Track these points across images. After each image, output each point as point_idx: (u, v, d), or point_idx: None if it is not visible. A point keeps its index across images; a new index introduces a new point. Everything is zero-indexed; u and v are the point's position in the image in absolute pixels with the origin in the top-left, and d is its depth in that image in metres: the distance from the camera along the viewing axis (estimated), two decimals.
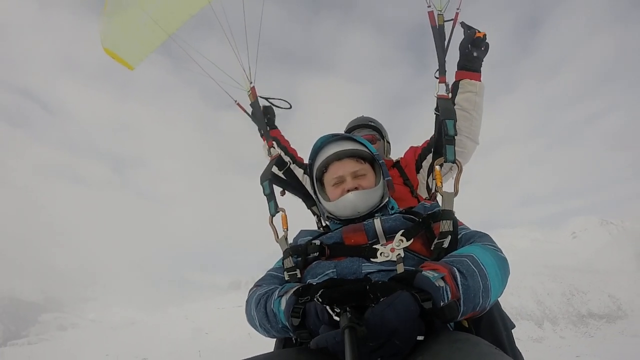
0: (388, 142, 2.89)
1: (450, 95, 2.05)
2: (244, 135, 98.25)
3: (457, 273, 1.16)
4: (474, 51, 2.17)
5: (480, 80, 2.22)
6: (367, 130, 2.79)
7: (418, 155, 2.53)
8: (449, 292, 1.10)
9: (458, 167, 1.67)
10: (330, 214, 1.75)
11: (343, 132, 1.75)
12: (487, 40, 2.17)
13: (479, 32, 2.14)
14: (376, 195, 1.70)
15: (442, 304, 1.05)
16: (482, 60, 2.23)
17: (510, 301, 59.68)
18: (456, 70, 2.24)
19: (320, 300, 1.09)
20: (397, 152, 2.87)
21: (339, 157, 1.73)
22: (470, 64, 2.20)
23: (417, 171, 2.52)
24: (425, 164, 2.48)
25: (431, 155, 2.30)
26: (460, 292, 1.13)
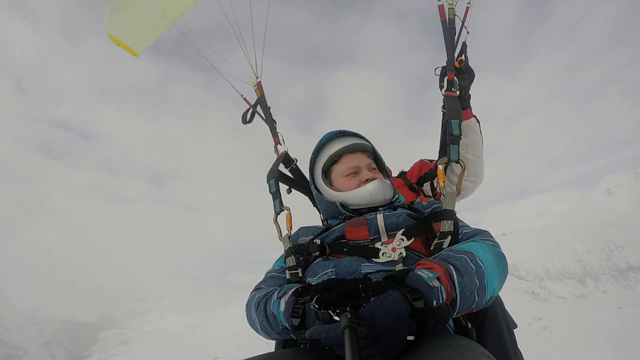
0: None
1: (457, 93, 1.90)
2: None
3: (454, 271, 1.15)
4: (458, 81, 1.94)
5: (473, 116, 2.05)
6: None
7: (424, 173, 2.41)
8: (443, 292, 1.08)
9: (462, 166, 1.62)
10: (342, 203, 1.73)
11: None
12: (466, 64, 2.00)
13: (455, 60, 1.97)
14: (392, 188, 1.75)
15: (435, 303, 1.02)
16: (469, 89, 2.04)
17: (552, 263, 61.29)
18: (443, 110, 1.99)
19: (316, 306, 1.05)
20: (404, 163, 2.54)
21: (353, 150, 1.79)
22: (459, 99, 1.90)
23: (419, 185, 2.42)
24: (426, 187, 2.38)
25: (429, 182, 2.33)
26: (457, 291, 1.11)
